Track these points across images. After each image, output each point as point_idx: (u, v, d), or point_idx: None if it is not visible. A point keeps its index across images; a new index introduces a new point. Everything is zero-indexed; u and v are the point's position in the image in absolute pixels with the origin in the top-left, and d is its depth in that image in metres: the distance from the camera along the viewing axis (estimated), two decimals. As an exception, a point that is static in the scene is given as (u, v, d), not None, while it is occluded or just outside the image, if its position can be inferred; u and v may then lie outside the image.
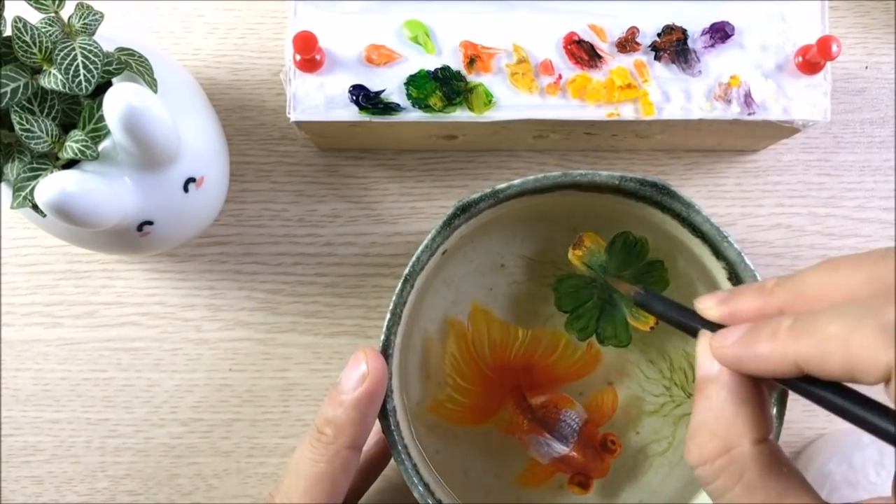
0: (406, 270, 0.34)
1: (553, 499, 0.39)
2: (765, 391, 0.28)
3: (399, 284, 0.34)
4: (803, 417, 0.45)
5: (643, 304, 0.33)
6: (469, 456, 0.40)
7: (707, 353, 0.28)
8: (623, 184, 0.34)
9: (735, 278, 0.35)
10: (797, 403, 0.35)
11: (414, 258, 0.34)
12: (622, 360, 0.40)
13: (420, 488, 0.33)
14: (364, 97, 0.38)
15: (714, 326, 0.29)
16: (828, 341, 0.23)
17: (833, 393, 0.25)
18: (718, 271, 0.36)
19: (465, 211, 0.34)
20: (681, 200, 0.34)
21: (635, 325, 0.38)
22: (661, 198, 0.35)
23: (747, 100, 0.38)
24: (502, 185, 0.34)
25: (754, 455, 0.26)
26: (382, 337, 0.34)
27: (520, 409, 0.39)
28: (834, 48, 0.37)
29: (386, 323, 0.34)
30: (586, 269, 0.38)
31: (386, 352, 0.34)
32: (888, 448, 0.41)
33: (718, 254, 0.35)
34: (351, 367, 0.33)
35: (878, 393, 0.24)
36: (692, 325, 0.30)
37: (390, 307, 0.34)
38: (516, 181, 0.34)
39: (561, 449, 0.38)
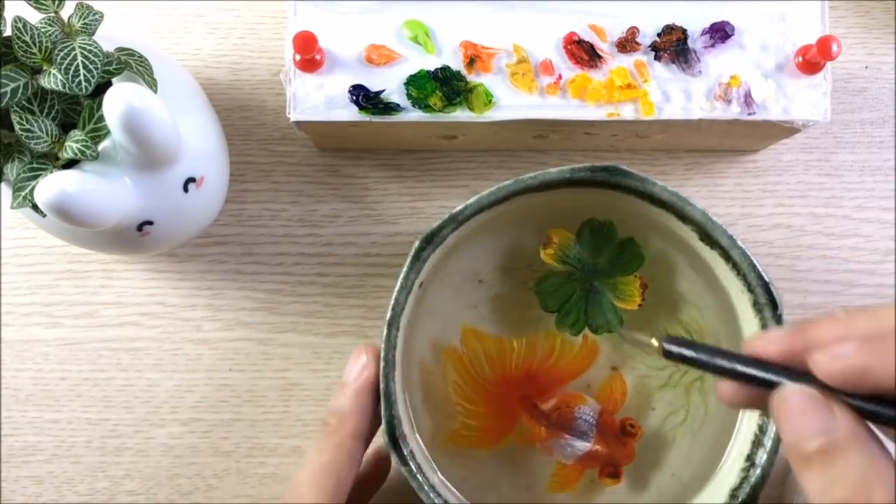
0: (388, 315, 0.34)
1: (588, 497, 0.39)
2: None
3: (385, 330, 0.34)
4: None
5: (671, 355, 0.29)
6: (497, 476, 0.39)
7: (805, 412, 0.23)
8: (574, 175, 0.35)
9: (706, 238, 0.35)
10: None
11: (392, 301, 0.34)
12: (619, 343, 0.40)
13: None
14: (364, 97, 0.38)
15: (773, 369, 0.25)
16: None
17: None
18: (689, 235, 0.36)
19: (430, 242, 0.34)
20: (634, 176, 0.35)
21: (623, 307, 0.38)
22: (615, 179, 0.35)
23: (747, 100, 0.38)
24: (459, 207, 0.34)
25: None
26: (382, 384, 0.34)
27: (533, 417, 0.39)
28: (834, 48, 0.37)
29: (381, 371, 0.34)
30: (561, 266, 0.39)
31: (389, 399, 0.34)
32: (888, 448, 0.41)
33: (685, 218, 0.35)
34: (352, 361, 0.35)
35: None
36: (752, 373, 0.25)
37: (381, 353, 0.34)
38: (472, 199, 0.34)
39: (583, 446, 0.38)
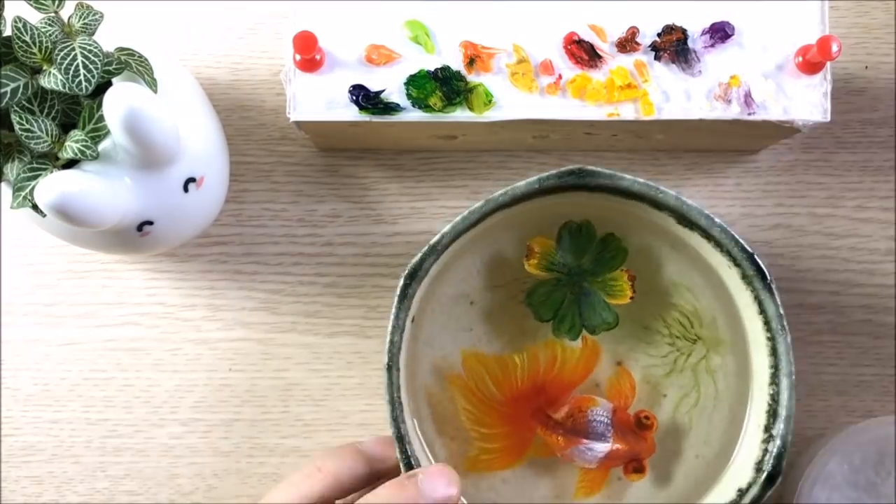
0: (385, 359, 0.34)
1: (619, 496, 0.39)
2: None
3: (385, 374, 0.34)
4: (804, 418, 0.45)
5: None
6: (524, 493, 0.39)
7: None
8: (544, 185, 0.35)
9: (684, 221, 0.36)
10: (797, 404, 0.35)
11: (387, 343, 0.34)
12: (620, 338, 0.40)
13: None
14: (364, 97, 0.38)
15: None
16: None
17: None
18: (667, 221, 0.36)
19: (413, 277, 0.34)
20: (602, 175, 0.35)
21: (616, 302, 0.39)
22: (584, 181, 0.35)
23: (747, 100, 0.38)
24: (436, 238, 0.34)
25: None
26: (392, 428, 0.34)
27: (549, 429, 0.39)
28: (834, 48, 0.37)
29: (390, 415, 0.34)
30: (548, 273, 0.39)
31: (403, 441, 0.34)
32: (888, 447, 0.41)
33: (660, 206, 0.35)
34: (438, 478, 0.32)
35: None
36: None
37: (386, 398, 0.34)
38: (446, 227, 0.34)
39: (603, 447, 0.38)
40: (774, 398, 0.35)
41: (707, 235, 0.35)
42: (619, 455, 0.39)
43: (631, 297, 0.39)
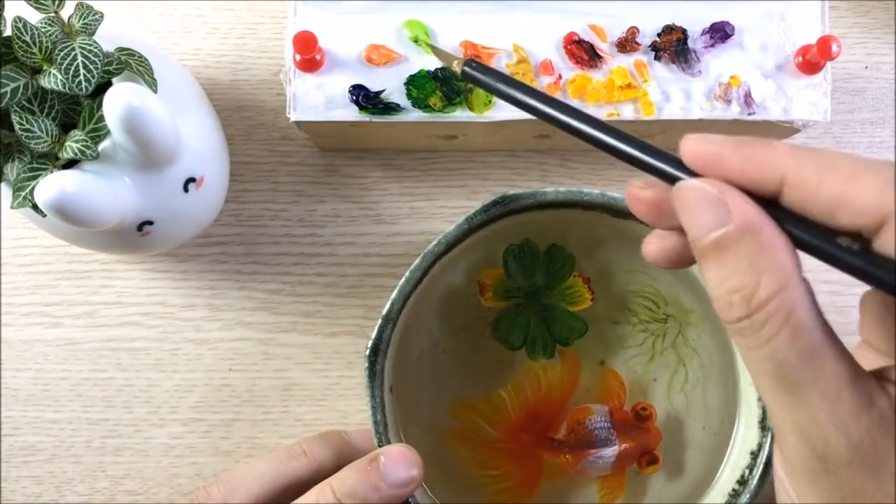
0: (374, 440, 0.34)
1: (643, 491, 0.39)
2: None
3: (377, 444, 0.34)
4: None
5: (466, 76, 0.30)
6: None
7: (700, 206, 0.23)
8: (474, 223, 0.35)
9: (618, 213, 0.36)
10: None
11: (372, 424, 0.34)
12: (595, 341, 0.40)
13: None
14: (364, 97, 0.38)
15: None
16: (832, 170, 0.21)
17: (806, 227, 0.22)
18: (601, 218, 0.36)
19: (377, 352, 0.34)
20: (523, 197, 0.35)
21: (579, 309, 0.39)
22: (511, 206, 0.35)
23: (747, 100, 0.38)
24: (387, 308, 0.34)
25: (804, 291, 0.23)
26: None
27: (554, 451, 0.39)
28: (834, 48, 0.37)
29: None
30: (506, 302, 0.39)
31: None
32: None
33: (589, 206, 0.36)
34: (399, 461, 0.32)
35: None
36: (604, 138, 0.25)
37: None
38: (394, 294, 0.34)
39: (611, 452, 0.38)
40: None
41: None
42: (630, 453, 0.39)
43: (591, 299, 0.39)
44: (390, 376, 0.36)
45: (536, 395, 0.40)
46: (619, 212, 0.35)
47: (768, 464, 0.35)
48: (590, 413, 0.39)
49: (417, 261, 0.35)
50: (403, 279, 0.34)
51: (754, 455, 0.36)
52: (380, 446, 0.34)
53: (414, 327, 0.38)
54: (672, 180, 0.24)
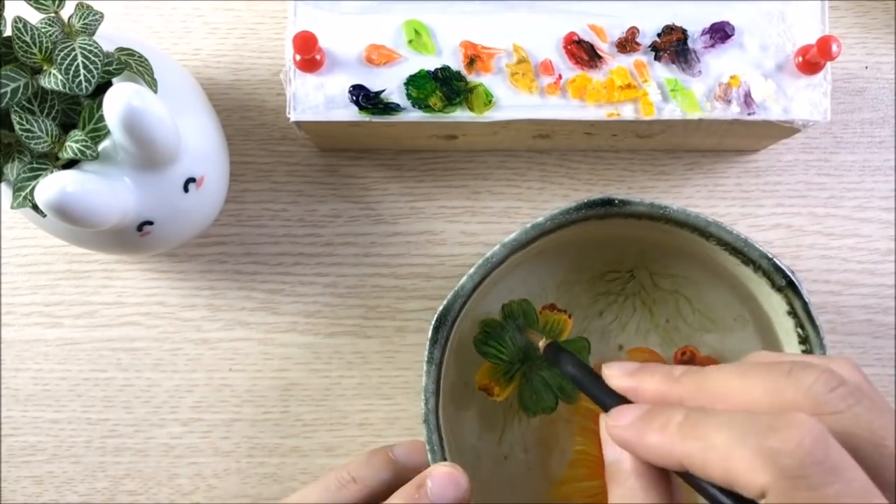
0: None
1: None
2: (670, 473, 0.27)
3: None
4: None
5: (552, 360, 0.34)
6: None
7: (607, 439, 0.28)
8: (434, 358, 0.33)
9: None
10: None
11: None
12: (597, 344, 0.40)
13: None
14: (364, 97, 0.38)
15: (615, 396, 0.29)
16: (711, 450, 0.23)
17: (717, 491, 0.24)
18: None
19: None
20: (458, 295, 0.34)
21: (567, 335, 0.39)
22: (448, 323, 0.34)
23: (747, 100, 0.38)
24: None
25: None
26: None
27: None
28: (834, 48, 0.37)
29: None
30: (513, 382, 0.39)
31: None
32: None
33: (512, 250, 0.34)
34: (446, 482, 0.32)
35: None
36: (596, 393, 0.30)
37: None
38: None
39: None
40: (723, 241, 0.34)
41: (545, 232, 0.34)
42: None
43: (569, 317, 0.39)
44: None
45: (575, 414, 0.40)
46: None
47: None
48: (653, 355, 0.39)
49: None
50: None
51: (791, 312, 0.34)
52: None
53: (457, 427, 0.38)
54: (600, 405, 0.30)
